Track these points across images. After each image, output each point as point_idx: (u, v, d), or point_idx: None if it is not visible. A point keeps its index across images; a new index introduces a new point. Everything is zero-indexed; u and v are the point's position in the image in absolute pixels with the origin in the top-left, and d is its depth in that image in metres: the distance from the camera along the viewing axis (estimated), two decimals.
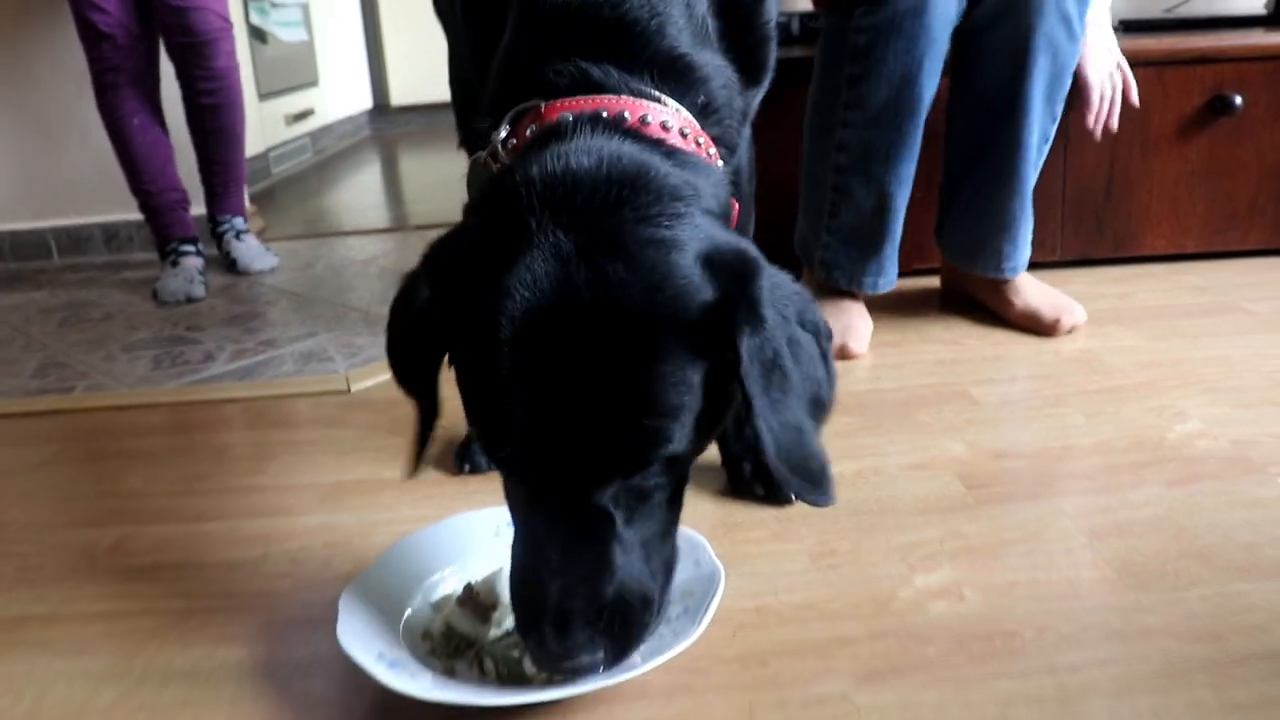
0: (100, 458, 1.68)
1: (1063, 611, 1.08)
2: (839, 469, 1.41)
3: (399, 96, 6.30)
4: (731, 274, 0.86)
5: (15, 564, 1.34)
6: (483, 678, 1.01)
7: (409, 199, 4.17)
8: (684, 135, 0.97)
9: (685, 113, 1.00)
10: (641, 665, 0.94)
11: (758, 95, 1.24)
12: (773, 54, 1.22)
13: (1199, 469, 1.38)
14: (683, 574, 1.05)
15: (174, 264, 2.69)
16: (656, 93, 0.99)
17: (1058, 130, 1.93)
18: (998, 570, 1.17)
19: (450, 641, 1.05)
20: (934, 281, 2.24)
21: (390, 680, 0.95)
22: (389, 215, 3.76)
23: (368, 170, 4.88)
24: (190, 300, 2.58)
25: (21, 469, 1.65)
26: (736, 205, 1.06)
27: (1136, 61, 2.20)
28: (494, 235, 0.88)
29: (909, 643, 1.05)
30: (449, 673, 1.01)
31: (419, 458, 1.02)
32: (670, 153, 0.94)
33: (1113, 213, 2.31)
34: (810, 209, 1.98)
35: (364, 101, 6.08)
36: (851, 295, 1.99)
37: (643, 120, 0.95)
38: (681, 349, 0.84)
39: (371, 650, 1.00)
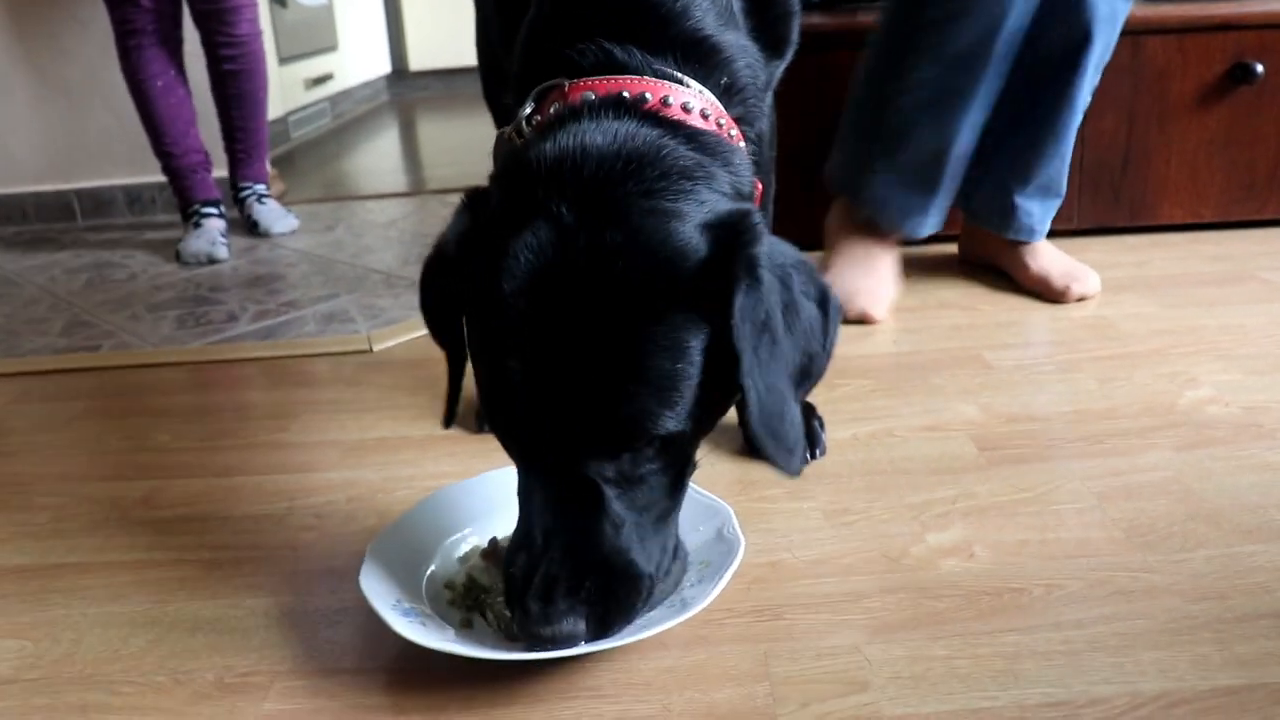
0: (128, 414, 1.71)
1: (1071, 570, 1.11)
2: (853, 431, 1.44)
3: (417, 61, 6.29)
4: (730, 236, 0.87)
5: (49, 515, 1.37)
6: (493, 629, 1.04)
7: (427, 163, 4.19)
8: (705, 117, 0.98)
9: (708, 94, 1.01)
10: (649, 629, 0.96)
11: (781, 66, 1.25)
12: (796, 28, 1.23)
13: (1209, 434, 1.39)
14: (703, 541, 1.09)
15: (196, 225, 2.72)
16: (679, 74, 1.00)
17: None
18: (1008, 529, 1.19)
19: (471, 593, 1.07)
20: (950, 248, 2.25)
21: (401, 627, 0.97)
22: (408, 180, 3.78)
23: (386, 135, 4.89)
24: (212, 261, 2.61)
25: (52, 425, 1.69)
26: (760, 185, 1.08)
27: (1156, 28, 2.20)
28: (507, 205, 0.90)
29: (920, 598, 1.07)
30: (467, 624, 1.04)
31: (452, 408, 1.06)
32: (690, 135, 0.95)
33: (1130, 181, 2.31)
34: (861, 144, 1.96)
35: (382, 66, 6.08)
36: (884, 242, 1.97)
37: (664, 102, 0.96)
38: (676, 311, 0.85)
39: (389, 598, 1.03)
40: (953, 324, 1.87)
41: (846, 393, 1.58)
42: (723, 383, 0.88)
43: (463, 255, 0.93)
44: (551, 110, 0.98)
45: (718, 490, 1.25)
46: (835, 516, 1.24)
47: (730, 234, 0.87)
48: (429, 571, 1.12)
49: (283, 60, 4.25)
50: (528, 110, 1.01)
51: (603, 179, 0.87)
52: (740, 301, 0.85)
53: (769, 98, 1.31)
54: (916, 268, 2.15)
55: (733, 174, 0.96)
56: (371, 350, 1.91)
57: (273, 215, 2.87)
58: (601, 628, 0.93)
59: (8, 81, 3.14)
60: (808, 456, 1.36)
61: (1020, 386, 1.58)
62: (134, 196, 3.23)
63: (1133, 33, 2.18)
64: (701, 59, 1.02)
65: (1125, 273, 2.09)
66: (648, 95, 0.96)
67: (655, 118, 0.95)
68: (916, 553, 1.16)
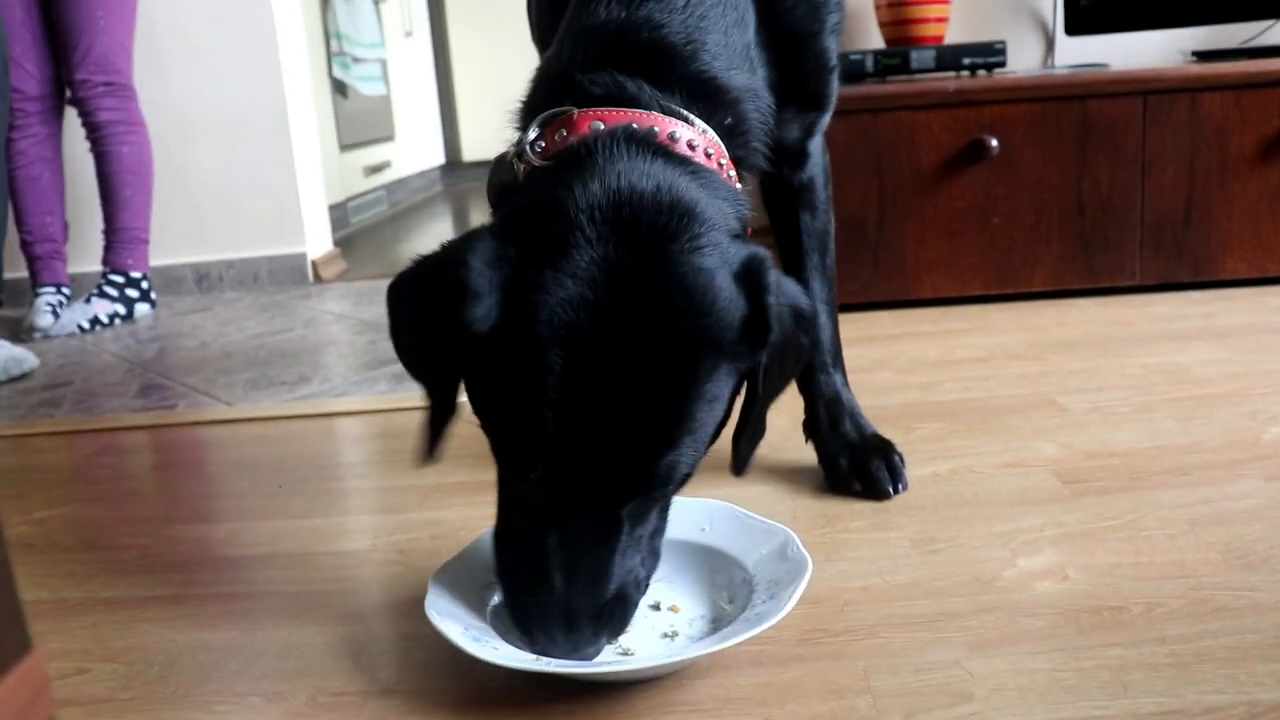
0: (206, 464, 1.74)
1: (1169, 589, 1.09)
2: (933, 469, 1.44)
3: (470, 152, 6.46)
4: (757, 286, 0.91)
5: (135, 554, 1.39)
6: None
7: None
8: (708, 156, 1.00)
9: (711, 134, 1.02)
10: (723, 643, 0.95)
11: (823, 117, 1.29)
12: (832, 83, 1.26)
13: None
14: (766, 561, 1.09)
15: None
16: (685, 112, 1.01)
17: (1135, 155, 1.95)
18: (1100, 553, 1.18)
19: None
20: (998, 306, 2.25)
21: (478, 651, 0.96)
22: None
23: (440, 222, 4.99)
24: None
25: (133, 474, 1.72)
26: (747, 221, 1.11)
27: (1214, 85, 2.22)
28: (547, 246, 0.89)
29: (1016, 616, 1.06)
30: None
31: (434, 445, 1.01)
32: (695, 172, 0.96)
33: (1193, 236, 2.31)
34: None
35: (436, 157, 6.24)
36: None
37: (671, 137, 0.97)
38: (724, 365, 0.90)
39: (457, 624, 1.02)
40: (1022, 372, 1.86)
41: (923, 434, 1.58)
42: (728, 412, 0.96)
43: (497, 295, 0.89)
44: (557, 137, 0.98)
45: (800, 524, 1.27)
46: (922, 544, 1.23)
47: (756, 284, 0.91)
48: (493, 602, 1.10)
49: (343, 148, 4.37)
50: (532, 136, 1.01)
51: (651, 230, 0.89)
52: (770, 352, 0.93)
53: (818, 142, 1.35)
54: (982, 325, 2.16)
55: (735, 211, 0.99)
56: None
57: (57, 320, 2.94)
58: (611, 639, 0.99)
59: (80, 164, 3.24)
60: (890, 490, 1.35)
61: (1097, 426, 1.57)
62: (202, 274, 3.31)
63: (1190, 90, 2.22)
64: (707, 99, 1.04)
65: (1193, 323, 2.08)
66: (656, 130, 0.97)
67: (666, 154, 0.95)
68: (1009, 576, 1.14)
